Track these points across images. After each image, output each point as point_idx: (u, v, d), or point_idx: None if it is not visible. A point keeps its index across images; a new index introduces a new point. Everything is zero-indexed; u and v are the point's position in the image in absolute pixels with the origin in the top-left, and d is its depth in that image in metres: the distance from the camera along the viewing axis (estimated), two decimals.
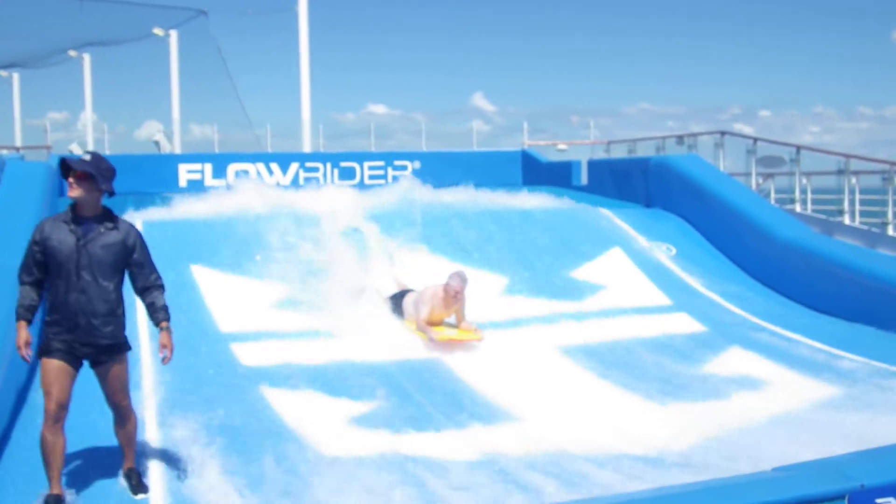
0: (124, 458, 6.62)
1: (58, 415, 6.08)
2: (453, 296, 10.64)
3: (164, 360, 6.37)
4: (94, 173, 6.09)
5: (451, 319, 10.93)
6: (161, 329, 6.38)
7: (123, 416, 6.54)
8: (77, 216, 6.18)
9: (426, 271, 12.10)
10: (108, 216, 6.29)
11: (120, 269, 6.30)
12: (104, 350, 6.27)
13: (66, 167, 6.11)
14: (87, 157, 6.19)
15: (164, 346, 6.34)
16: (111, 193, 6.25)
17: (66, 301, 6.10)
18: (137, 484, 6.52)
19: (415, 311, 10.86)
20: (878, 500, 4.89)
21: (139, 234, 6.42)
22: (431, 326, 10.65)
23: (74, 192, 6.10)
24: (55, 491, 6.13)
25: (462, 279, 10.69)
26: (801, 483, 5.48)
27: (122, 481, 6.56)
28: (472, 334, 10.63)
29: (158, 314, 6.40)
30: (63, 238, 6.10)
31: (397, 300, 11.38)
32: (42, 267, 6.14)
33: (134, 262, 6.33)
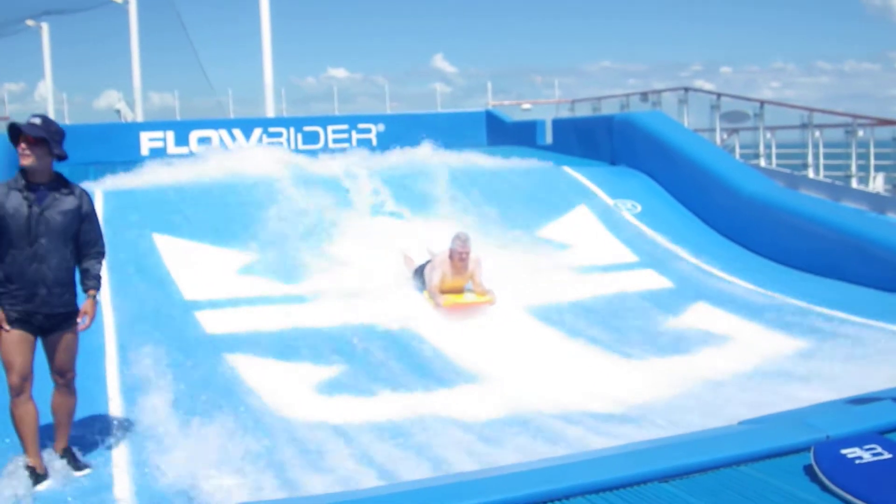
0: (58, 437, 6.34)
1: (21, 386, 5.96)
2: (459, 259, 10.45)
3: (82, 327, 6.21)
4: (48, 137, 5.92)
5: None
6: (88, 296, 6.22)
7: (70, 387, 6.33)
8: (30, 183, 5.99)
9: (388, 233, 12.11)
10: (62, 181, 6.13)
11: (74, 236, 6.13)
12: (61, 319, 6.12)
13: (17, 133, 5.91)
14: (38, 121, 5.98)
15: (84, 314, 6.18)
16: (63, 157, 6.08)
17: (23, 271, 5.92)
18: (76, 460, 6.31)
19: (428, 280, 10.64)
20: (843, 451, 4.89)
21: (91, 200, 6.28)
22: (447, 294, 10.49)
23: (28, 159, 5.91)
24: (33, 461, 6.02)
25: (463, 241, 10.47)
26: (767, 436, 5.50)
27: (58, 462, 6.25)
28: (480, 297, 10.51)
29: (90, 281, 6.24)
30: (17, 206, 5.90)
31: (420, 270, 11.04)
32: None
33: (84, 228, 6.17)
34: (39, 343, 6.16)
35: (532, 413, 7.44)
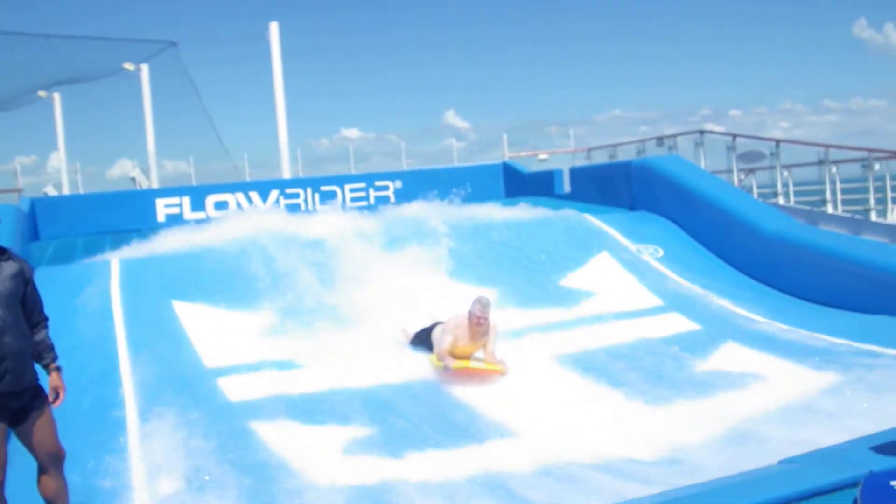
0: None
1: (1, 480, 5.58)
2: (476, 323, 9.91)
3: (56, 403, 5.84)
4: None
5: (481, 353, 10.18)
6: (51, 371, 5.88)
7: (60, 467, 5.93)
8: None
9: (409, 292, 11.99)
10: None
11: (22, 302, 5.81)
12: (30, 397, 5.76)
13: None
14: None
15: (55, 389, 5.83)
16: None
17: None
18: None
19: (438, 343, 10.14)
20: (893, 482, 4.76)
21: (30, 264, 5.95)
22: (458, 359, 9.91)
23: None
24: None
25: (483, 305, 9.93)
26: (809, 475, 5.40)
27: None
28: (493, 366, 9.87)
29: (50, 353, 5.92)
30: None
31: (425, 335, 10.61)
32: None
33: (28, 293, 5.85)
34: None
35: (566, 463, 7.31)
